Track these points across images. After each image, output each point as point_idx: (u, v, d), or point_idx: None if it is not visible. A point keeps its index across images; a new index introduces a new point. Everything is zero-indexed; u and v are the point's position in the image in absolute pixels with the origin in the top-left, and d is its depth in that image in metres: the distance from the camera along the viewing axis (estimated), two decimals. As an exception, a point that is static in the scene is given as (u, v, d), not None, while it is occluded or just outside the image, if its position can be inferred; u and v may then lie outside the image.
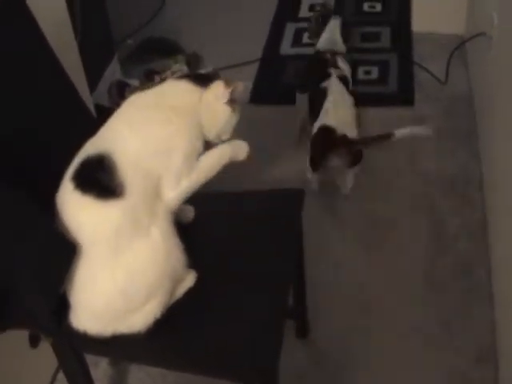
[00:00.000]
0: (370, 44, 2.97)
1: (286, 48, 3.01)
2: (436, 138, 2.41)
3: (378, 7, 3.22)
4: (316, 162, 2.25)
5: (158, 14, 3.34)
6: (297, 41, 3.05)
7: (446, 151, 2.43)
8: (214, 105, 1.31)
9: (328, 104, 2.28)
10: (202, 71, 2.34)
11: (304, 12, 3.25)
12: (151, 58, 2.81)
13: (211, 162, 1.29)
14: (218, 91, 1.32)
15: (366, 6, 3.23)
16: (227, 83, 1.32)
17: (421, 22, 3.01)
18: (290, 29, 3.12)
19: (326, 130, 2.20)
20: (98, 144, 1.25)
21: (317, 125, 2.26)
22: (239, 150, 1.33)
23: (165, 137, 1.25)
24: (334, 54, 2.50)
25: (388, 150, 2.39)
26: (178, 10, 3.37)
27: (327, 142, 2.19)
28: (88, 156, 1.22)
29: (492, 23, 2.17)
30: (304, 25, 3.09)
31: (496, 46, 2.15)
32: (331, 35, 2.58)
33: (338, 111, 2.26)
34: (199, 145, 1.28)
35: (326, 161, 2.20)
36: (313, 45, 2.66)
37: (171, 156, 1.24)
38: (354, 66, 2.77)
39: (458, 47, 2.80)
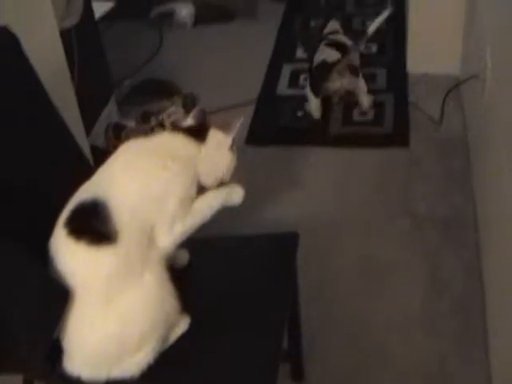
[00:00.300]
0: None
1: (283, 89, 3.02)
2: (431, 179, 2.43)
3: (374, 48, 3.25)
4: (318, 85, 2.70)
5: (155, 55, 3.37)
6: (293, 82, 3.06)
7: (441, 192, 2.43)
8: (217, 154, 1.33)
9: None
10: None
11: (300, 53, 3.28)
12: (148, 100, 2.84)
13: (205, 207, 1.30)
14: (218, 140, 1.33)
15: (361, 47, 3.25)
16: (225, 129, 1.34)
17: (416, 63, 3.04)
18: (286, 70, 3.15)
19: (325, 63, 2.65)
20: (92, 189, 1.25)
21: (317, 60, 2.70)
22: (234, 194, 1.34)
23: (161, 183, 1.26)
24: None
25: (382, 191, 2.41)
26: (175, 51, 3.41)
27: (326, 68, 2.64)
28: (82, 201, 1.22)
29: (485, 66, 2.19)
30: (301, 66, 3.13)
31: (489, 88, 2.16)
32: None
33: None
34: (194, 190, 1.29)
35: (328, 81, 2.66)
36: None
37: (166, 202, 1.25)
38: (349, 108, 2.80)
39: (453, 89, 2.82)
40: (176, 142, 1.32)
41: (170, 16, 3.63)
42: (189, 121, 1.35)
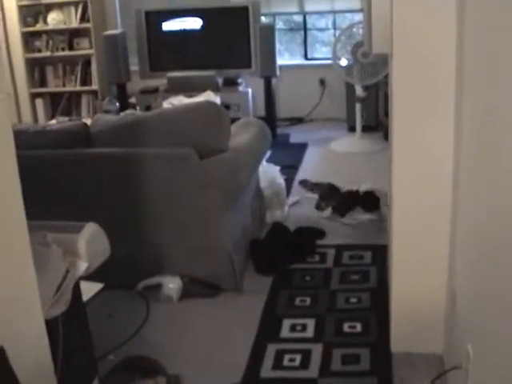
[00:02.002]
0: (350, 367, 2.98)
1: (267, 371, 2.99)
2: None
3: (358, 328, 3.29)
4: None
5: (140, 329, 3.38)
6: (278, 363, 3.04)
7: None
8: None
9: None
10: None
11: (285, 332, 3.29)
12: (131, 378, 2.82)
13: None
14: None
15: (346, 327, 3.30)
16: None
17: (399, 342, 3.06)
18: (270, 350, 3.13)
19: None
20: None
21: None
22: None
23: None
24: None
25: None
26: (160, 325, 3.43)
27: None
28: None
29: (468, 356, 2.21)
30: (286, 346, 3.14)
31: (472, 379, 2.17)
32: None
33: None
34: None
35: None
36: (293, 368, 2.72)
37: None
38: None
39: (438, 377, 2.81)
40: None
41: (156, 289, 3.69)
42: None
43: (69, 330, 2.32)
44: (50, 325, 2.15)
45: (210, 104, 3.76)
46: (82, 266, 2.33)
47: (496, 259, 1.84)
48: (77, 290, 2.44)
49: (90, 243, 2.40)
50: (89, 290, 2.68)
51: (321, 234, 4.40)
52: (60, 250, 2.26)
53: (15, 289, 1.92)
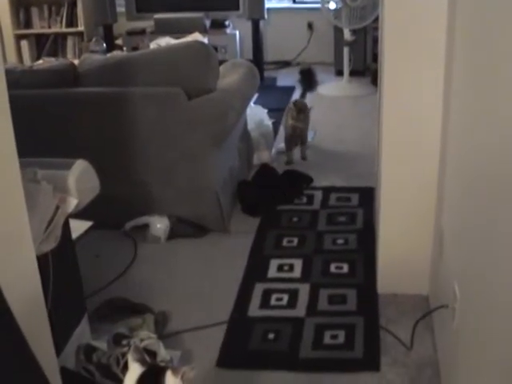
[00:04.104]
0: (337, 307, 3.02)
1: (254, 310, 3.02)
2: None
3: (345, 269, 3.32)
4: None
5: (128, 269, 3.41)
6: (265, 302, 3.07)
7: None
8: None
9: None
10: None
11: (272, 272, 3.32)
12: (120, 318, 2.84)
13: None
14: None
15: (333, 267, 3.33)
16: (175, 372, 1.51)
17: (386, 283, 3.10)
18: (258, 289, 3.17)
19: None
20: None
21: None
22: None
23: None
24: None
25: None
26: (148, 265, 3.45)
27: None
28: None
29: (454, 295, 2.24)
30: (273, 285, 3.18)
31: (459, 317, 2.20)
32: None
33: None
34: None
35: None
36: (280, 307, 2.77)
37: None
38: (321, 331, 2.82)
39: (423, 317, 2.85)
40: None
41: (144, 229, 3.70)
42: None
43: (59, 266, 2.33)
44: (41, 261, 2.16)
45: (198, 44, 3.73)
46: (72, 203, 2.32)
47: (482, 197, 1.85)
48: (67, 227, 2.44)
49: (79, 180, 2.40)
50: (78, 227, 2.68)
51: (308, 180, 4.39)
52: (50, 186, 2.25)
53: (7, 225, 1.92)
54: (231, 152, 4.03)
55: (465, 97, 2.23)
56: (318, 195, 4.18)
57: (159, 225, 3.67)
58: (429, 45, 2.69)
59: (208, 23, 6.99)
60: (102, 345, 2.50)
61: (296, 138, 4.73)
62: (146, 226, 3.70)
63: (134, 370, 1.72)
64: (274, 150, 4.88)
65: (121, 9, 7.26)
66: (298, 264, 3.37)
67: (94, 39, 6.78)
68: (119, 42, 7.26)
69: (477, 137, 1.97)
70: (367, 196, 4.04)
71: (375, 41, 6.32)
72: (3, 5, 7.39)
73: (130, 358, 1.76)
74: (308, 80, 5.03)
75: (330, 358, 2.70)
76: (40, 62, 5.71)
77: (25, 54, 7.69)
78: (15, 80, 3.46)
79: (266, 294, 3.13)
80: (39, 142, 3.42)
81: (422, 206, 2.92)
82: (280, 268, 3.35)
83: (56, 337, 2.26)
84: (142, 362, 1.74)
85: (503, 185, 1.60)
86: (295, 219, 3.89)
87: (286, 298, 3.09)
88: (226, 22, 7.08)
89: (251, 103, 4.72)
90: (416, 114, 2.80)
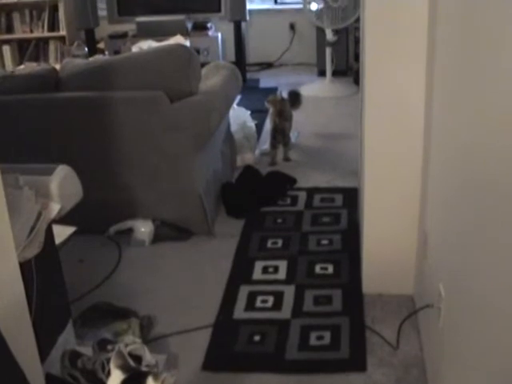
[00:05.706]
0: (322, 307, 3.02)
1: (240, 312, 3.02)
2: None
3: (330, 269, 3.32)
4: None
5: (112, 273, 3.39)
6: (251, 305, 3.07)
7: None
8: None
9: None
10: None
11: (257, 274, 3.32)
12: (105, 322, 2.82)
13: None
14: None
15: (318, 268, 3.33)
16: (156, 378, 1.53)
17: (371, 283, 3.11)
18: (243, 292, 3.16)
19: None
20: None
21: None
22: None
23: None
24: None
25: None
26: (132, 269, 3.44)
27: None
28: None
29: (439, 295, 2.24)
30: (258, 287, 3.18)
31: (444, 317, 2.21)
32: None
33: None
34: None
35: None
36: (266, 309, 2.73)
37: None
38: (306, 332, 2.82)
39: (409, 317, 2.85)
40: None
41: (128, 233, 3.69)
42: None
43: (42, 272, 2.32)
44: (24, 267, 2.15)
45: (180, 47, 3.72)
46: (55, 208, 2.31)
47: (466, 198, 1.86)
48: (50, 232, 2.43)
49: (62, 185, 2.38)
50: (61, 233, 2.66)
51: (292, 181, 4.39)
52: (32, 192, 2.24)
53: (-12, 231, 1.91)
54: (214, 154, 4.03)
55: (447, 95, 2.24)
56: (302, 196, 4.18)
57: (143, 228, 3.66)
58: (410, 43, 2.69)
59: (190, 26, 6.99)
60: (87, 350, 2.49)
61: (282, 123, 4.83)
62: (130, 230, 3.69)
63: (116, 377, 1.72)
64: (257, 152, 4.88)
65: (102, 12, 7.23)
66: (282, 265, 3.37)
67: (75, 43, 6.76)
68: (101, 45, 7.24)
69: (460, 137, 1.98)
70: (351, 196, 4.05)
71: (357, 41, 6.33)
72: (-16, 10, 7.36)
73: (112, 364, 1.76)
74: (294, 100, 5.14)
75: (317, 359, 2.70)
76: (22, 67, 5.69)
77: (7, 60, 7.66)
78: (-4, 85, 3.46)
79: (252, 297, 3.12)
80: (21, 147, 3.41)
81: (405, 206, 2.92)
82: (265, 270, 3.35)
83: (40, 343, 2.24)
84: (123, 368, 1.74)
85: (487, 186, 1.60)
86: (279, 220, 3.89)
87: (271, 299, 3.09)
88: (208, 25, 7.08)
89: (234, 105, 4.72)
90: (398, 112, 2.80)
